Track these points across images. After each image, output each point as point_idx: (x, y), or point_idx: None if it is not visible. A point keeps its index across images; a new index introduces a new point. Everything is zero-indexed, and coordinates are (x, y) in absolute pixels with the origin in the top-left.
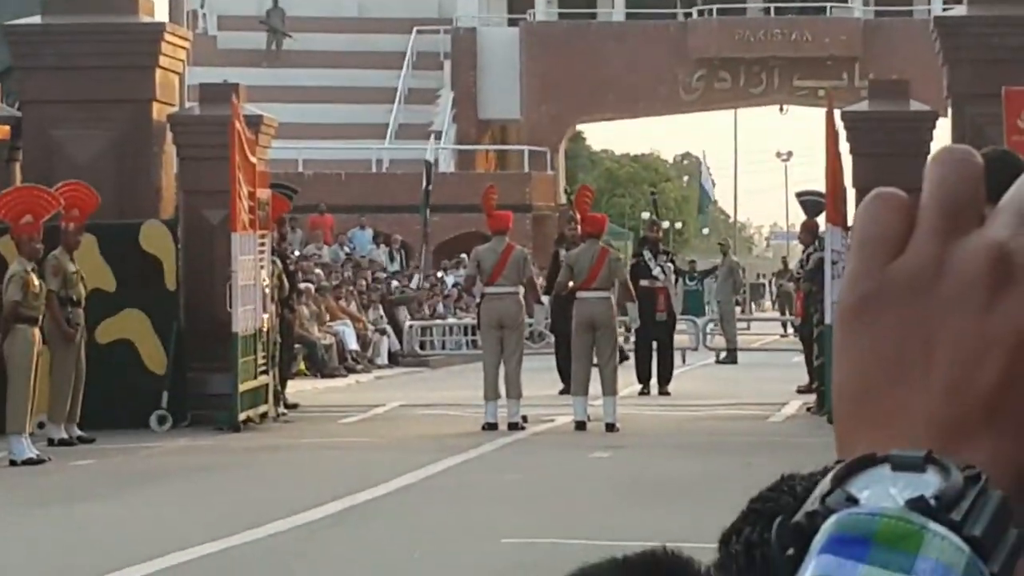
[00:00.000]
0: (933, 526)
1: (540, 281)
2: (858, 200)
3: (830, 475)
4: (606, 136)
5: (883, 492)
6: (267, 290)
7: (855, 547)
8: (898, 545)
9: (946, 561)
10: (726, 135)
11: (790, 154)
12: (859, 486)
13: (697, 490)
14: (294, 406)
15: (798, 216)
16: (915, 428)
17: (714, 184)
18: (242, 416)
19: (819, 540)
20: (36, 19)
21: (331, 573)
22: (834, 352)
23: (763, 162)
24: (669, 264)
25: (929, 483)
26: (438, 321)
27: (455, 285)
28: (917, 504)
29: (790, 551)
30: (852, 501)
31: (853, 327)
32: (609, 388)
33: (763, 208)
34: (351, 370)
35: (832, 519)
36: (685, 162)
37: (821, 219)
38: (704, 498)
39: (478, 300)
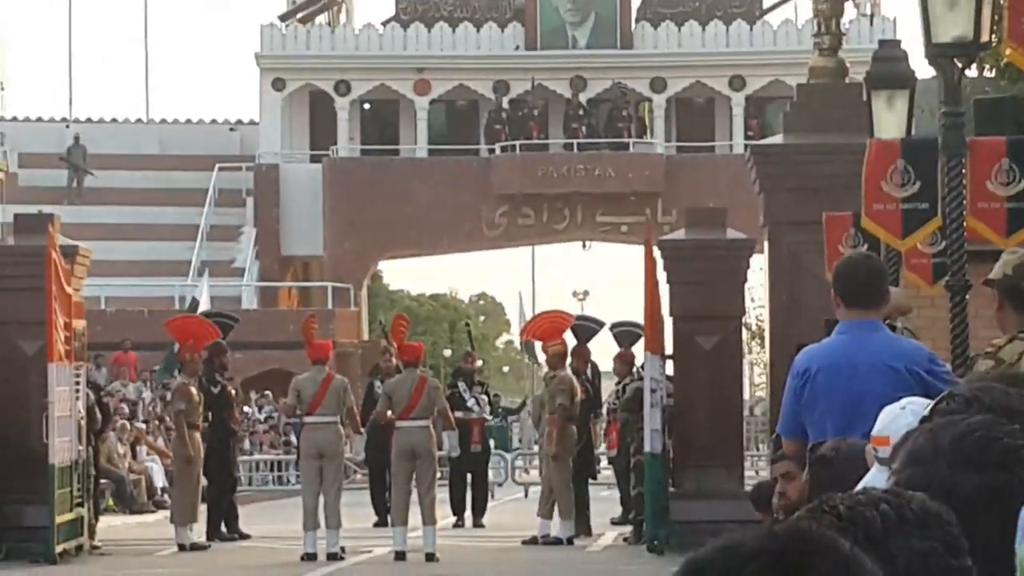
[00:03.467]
0: None
1: None
2: (675, 328)
3: None
4: (402, 276)
5: None
6: (82, 422)
7: None
8: None
9: None
10: (522, 274)
11: (586, 293)
12: None
13: None
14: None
15: (607, 350)
16: None
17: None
18: (59, 548)
19: None
20: None
21: None
22: None
23: (559, 301)
24: (483, 396)
25: None
26: (244, 457)
27: (266, 420)
28: None
29: None
30: None
31: None
32: (429, 517)
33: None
34: (160, 506)
35: None
36: (481, 302)
37: (636, 349)
38: None
39: (297, 431)
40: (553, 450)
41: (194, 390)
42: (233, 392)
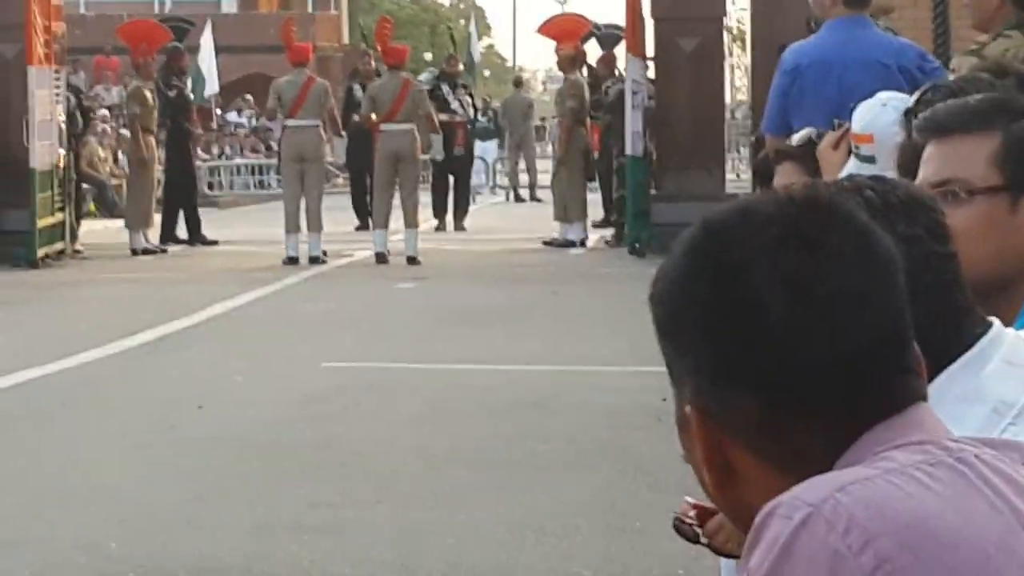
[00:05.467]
0: None
1: None
2: (656, 30)
3: None
4: None
5: None
6: (63, 126)
7: None
8: None
9: None
10: None
11: None
12: None
13: (508, 316)
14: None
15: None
16: None
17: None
18: (40, 252)
19: None
20: None
21: (154, 395)
22: None
23: (540, 4)
24: (467, 98)
25: None
26: (225, 162)
27: (252, 126)
28: None
29: None
30: None
31: None
32: (411, 221)
33: (539, 52)
34: None
35: None
36: (462, 5)
37: (618, 52)
38: (516, 323)
39: (279, 134)
40: (560, 153)
41: (149, 94)
42: (190, 95)
